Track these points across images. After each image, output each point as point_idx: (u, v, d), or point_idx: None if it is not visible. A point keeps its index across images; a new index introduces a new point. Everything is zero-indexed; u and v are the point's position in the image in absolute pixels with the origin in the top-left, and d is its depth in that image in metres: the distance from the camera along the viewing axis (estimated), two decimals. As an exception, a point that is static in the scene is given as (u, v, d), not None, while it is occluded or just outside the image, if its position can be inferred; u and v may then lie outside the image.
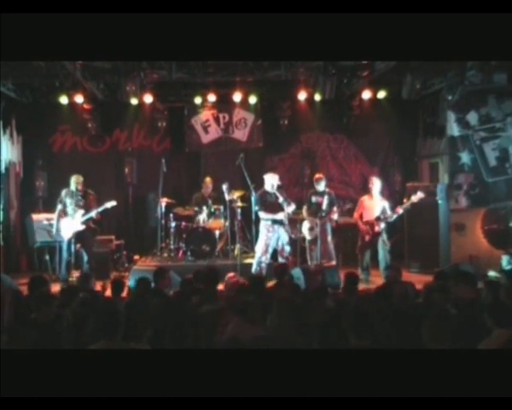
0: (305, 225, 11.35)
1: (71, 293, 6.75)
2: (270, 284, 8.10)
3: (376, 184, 11.30)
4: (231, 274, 8.19)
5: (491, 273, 10.04)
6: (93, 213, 10.90)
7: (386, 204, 11.16)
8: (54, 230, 11.28)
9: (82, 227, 10.84)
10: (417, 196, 11.02)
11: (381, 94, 13.28)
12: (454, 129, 12.74)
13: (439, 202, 12.37)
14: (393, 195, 13.16)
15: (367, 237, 11.14)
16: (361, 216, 11.28)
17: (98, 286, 8.27)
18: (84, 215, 10.81)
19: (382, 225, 10.98)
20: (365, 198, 11.38)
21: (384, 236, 11.01)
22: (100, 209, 10.97)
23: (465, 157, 12.61)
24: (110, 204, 10.99)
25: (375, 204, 11.15)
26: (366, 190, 11.84)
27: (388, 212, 11.06)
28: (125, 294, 7.79)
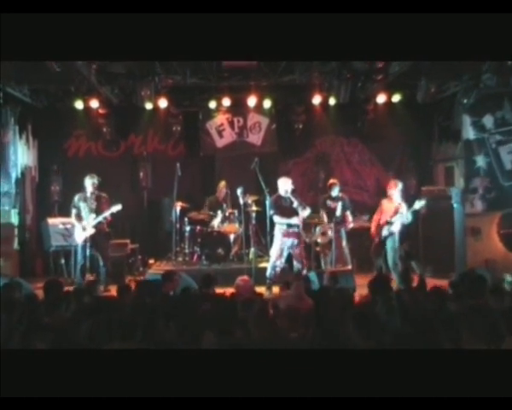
0: (319, 230, 11.33)
1: (77, 297, 6.77)
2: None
3: (394, 186, 11.14)
4: (244, 277, 8.18)
5: (508, 278, 9.96)
6: (101, 218, 10.87)
7: (402, 208, 10.97)
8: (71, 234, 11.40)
9: (93, 231, 10.80)
10: (419, 204, 10.89)
11: (396, 98, 13.24)
12: (469, 132, 12.70)
13: (455, 205, 12.30)
14: (408, 199, 13.07)
15: (376, 240, 11.08)
16: (379, 219, 11.20)
17: (113, 290, 8.30)
18: (95, 219, 10.80)
19: (392, 228, 10.85)
20: (385, 201, 11.26)
21: (396, 238, 10.90)
22: (107, 214, 10.93)
23: (481, 161, 12.55)
24: (116, 208, 10.93)
25: (392, 207, 11.02)
26: (381, 194, 11.76)
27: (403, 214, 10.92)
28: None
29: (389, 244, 10.88)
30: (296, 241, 10.64)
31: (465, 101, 12.50)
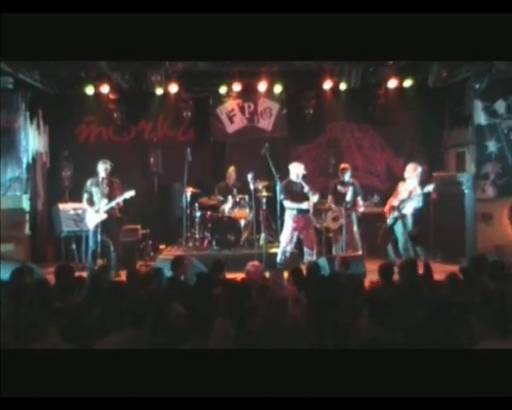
0: (330, 215, 11.33)
1: (91, 282, 6.82)
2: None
3: (413, 170, 11.07)
4: (254, 262, 8.19)
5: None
6: (114, 203, 10.87)
7: (417, 191, 10.87)
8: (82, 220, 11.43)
9: (105, 216, 10.81)
10: (428, 188, 10.85)
11: (407, 83, 13.18)
12: (481, 118, 12.62)
13: (466, 191, 12.27)
14: (420, 184, 13.01)
15: (387, 223, 11.07)
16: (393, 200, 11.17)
17: (123, 275, 8.32)
18: (107, 204, 10.80)
19: (404, 211, 10.81)
20: (401, 184, 11.20)
21: (407, 222, 10.85)
22: (120, 200, 10.94)
23: (492, 146, 12.49)
24: (129, 194, 10.92)
25: (406, 190, 10.96)
26: (391, 179, 11.73)
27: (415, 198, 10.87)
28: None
29: (399, 229, 10.86)
30: (307, 226, 10.66)
31: (477, 86, 12.42)
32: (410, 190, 10.85)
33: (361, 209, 11.26)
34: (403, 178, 11.18)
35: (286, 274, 7.76)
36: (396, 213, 10.87)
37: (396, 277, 7.41)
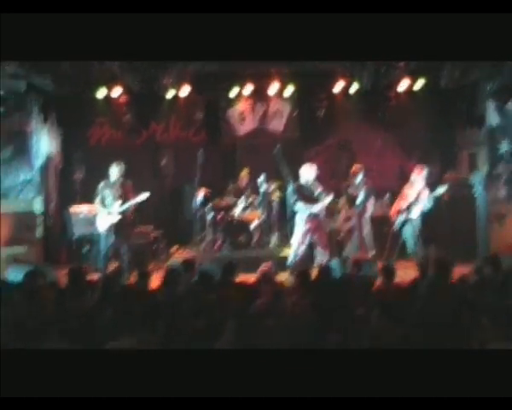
0: (341, 217, 11.31)
1: (103, 285, 6.81)
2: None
3: (419, 172, 11.00)
4: (267, 264, 8.17)
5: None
6: (126, 206, 10.85)
7: (424, 194, 10.82)
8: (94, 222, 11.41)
9: (117, 219, 10.81)
10: (440, 190, 10.77)
11: (420, 83, 13.12)
12: (493, 118, 12.57)
13: (478, 192, 12.24)
14: (431, 185, 12.97)
15: (395, 226, 11.01)
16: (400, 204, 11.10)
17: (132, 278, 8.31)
18: (120, 206, 10.78)
19: (411, 214, 10.76)
20: (407, 187, 11.14)
21: (415, 225, 10.78)
22: (133, 202, 10.90)
23: (505, 147, 12.44)
24: (142, 197, 10.91)
25: (413, 193, 10.90)
26: (403, 180, 11.67)
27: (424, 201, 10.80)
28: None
29: (408, 232, 10.82)
30: (318, 228, 10.63)
31: (489, 86, 12.38)
32: (418, 192, 10.79)
33: (371, 211, 11.22)
34: (409, 181, 11.12)
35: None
36: (404, 216, 10.82)
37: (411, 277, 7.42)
